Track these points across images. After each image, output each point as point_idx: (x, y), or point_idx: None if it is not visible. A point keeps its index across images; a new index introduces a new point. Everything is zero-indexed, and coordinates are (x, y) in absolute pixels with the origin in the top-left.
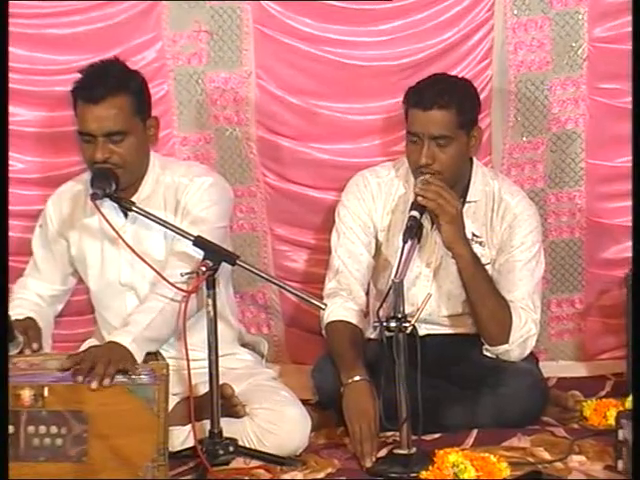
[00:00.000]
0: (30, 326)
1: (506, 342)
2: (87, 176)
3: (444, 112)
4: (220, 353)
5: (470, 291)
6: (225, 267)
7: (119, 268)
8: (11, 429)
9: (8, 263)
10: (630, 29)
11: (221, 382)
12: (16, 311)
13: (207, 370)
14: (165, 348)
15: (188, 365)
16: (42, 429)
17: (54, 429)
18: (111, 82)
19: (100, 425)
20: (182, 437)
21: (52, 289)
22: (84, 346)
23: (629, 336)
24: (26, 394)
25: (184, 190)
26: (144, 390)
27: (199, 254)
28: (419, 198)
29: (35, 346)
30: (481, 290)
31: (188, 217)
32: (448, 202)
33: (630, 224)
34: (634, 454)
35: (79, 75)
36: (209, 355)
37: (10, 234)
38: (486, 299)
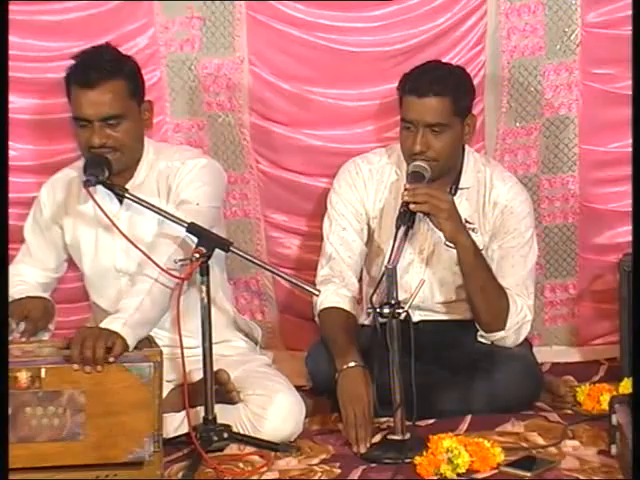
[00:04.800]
0: (32, 306)
1: (502, 329)
2: (81, 163)
3: (440, 99)
4: (214, 340)
5: (470, 279)
6: (219, 251)
7: (114, 254)
8: (8, 411)
9: (8, 259)
10: (626, 13)
11: (216, 368)
12: (16, 292)
13: (201, 357)
14: (159, 336)
15: (182, 352)
16: (39, 410)
17: (51, 409)
18: (106, 66)
19: (96, 403)
20: (176, 424)
21: (44, 276)
22: None
23: (622, 322)
24: (23, 376)
25: (176, 173)
26: (139, 368)
27: (184, 234)
28: (411, 206)
29: (40, 324)
30: (481, 278)
31: (178, 198)
32: (440, 200)
33: (624, 209)
34: (634, 446)
35: (72, 61)
36: (203, 342)
37: None
38: (486, 287)
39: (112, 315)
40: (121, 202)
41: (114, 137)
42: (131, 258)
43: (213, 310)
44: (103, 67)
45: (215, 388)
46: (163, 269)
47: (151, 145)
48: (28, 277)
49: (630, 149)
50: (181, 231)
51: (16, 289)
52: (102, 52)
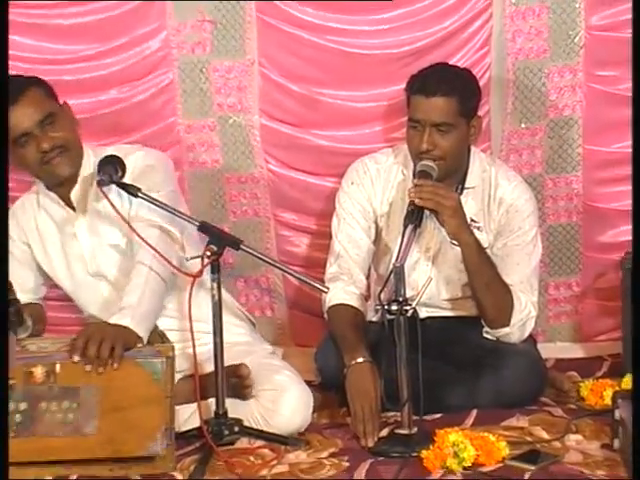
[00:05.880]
0: (30, 311)
1: (507, 325)
2: (36, 187)
3: (447, 99)
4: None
5: (475, 277)
6: (192, 229)
7: (83, 261)
8: (23, 406)
9: (8, 259)
10: (629, 16)
11: (237, 362)
12: None
13: (207, 347)
14: (168, 326)
15: (194, 351)
16: (54, 405)
17: (66, 404)
18: (16, 83)
19: (110, 399)
20: (185, 415)
21: (25, 298)
22: None
23: (625, 319)
24: (38, 371)
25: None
26: (151, 364)
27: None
28: (417, 201)
29: (39, 327)
30: (486, 276)
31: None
32: (445, 197)
33: (626, 208)
34: (634, 440)
35: None
36: (214, 338)
37: None
38: (490, 284)
39: (117, 314)
40: (74, 209)
41: (57, 136)
42: (100, 260)
43: (202, 292)
44: (15, 84)
45: (234, 381)
46: (177, 268)
47: (89, 148)
48: None
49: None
50: (158, 220)
51: None
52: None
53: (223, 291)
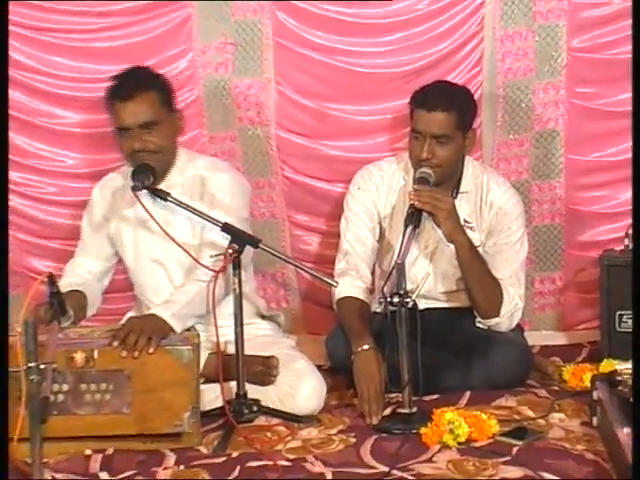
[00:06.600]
0: (72, 300)
1: (497, 315)
2: (125, 168)
3: (446, 114)
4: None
5: (467, 273)
6: (247, 251)
7: (150, 247)
8: (65, 387)
9: (8, 259)
10: (607, 39)
11: (267, 354)
12: (66, 284)
13: (231, 337)
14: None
15: (217, 339)
16: (92, 386)
17: (103, 386)
18: (139, 81)
19: (142, 381)
20: (212, 396)
21: (100, 265)
22: (125, 319)
23: (602, 309)
24: (78, 356)
25: (208, 183)
26: (179, 350)
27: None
28: (416, 204)
29: (81, 314)
30: (477, 271)
31: (215, 210)
32: (441, 201)
33: (604, 211)
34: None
35: (112, 80)
36: (235, 327)
37: (61, 221)
38: (481, 279)
39: (162, 305)
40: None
41: (152, 141)
42: (164, 250)
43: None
44: (137, 82)
45: (260, 369)
46: (203, 265)
47: (183, 152)
48: (83, 268)
49: (611, 159)
50: (218, 233)
51: (67, 281)
52: (136, 71)
53: (255, 297)
